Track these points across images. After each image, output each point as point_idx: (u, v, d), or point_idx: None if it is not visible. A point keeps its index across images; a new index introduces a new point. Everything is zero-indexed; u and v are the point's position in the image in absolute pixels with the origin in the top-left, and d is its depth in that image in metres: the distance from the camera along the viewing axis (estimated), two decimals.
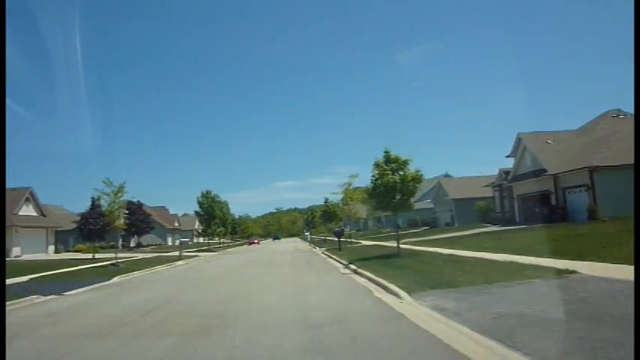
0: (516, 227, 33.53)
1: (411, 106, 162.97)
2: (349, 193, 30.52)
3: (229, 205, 63.01)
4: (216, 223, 52.64)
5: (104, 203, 24.58)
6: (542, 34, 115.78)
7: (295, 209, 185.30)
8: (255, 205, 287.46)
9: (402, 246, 21.03)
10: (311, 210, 70.80)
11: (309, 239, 73.74)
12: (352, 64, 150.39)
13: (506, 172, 44.60)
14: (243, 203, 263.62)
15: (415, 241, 28.88)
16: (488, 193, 52.41)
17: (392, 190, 17.43)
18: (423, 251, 20.08)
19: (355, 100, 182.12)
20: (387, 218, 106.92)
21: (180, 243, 34.77)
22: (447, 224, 57.11)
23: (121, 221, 27.26)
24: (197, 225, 75.89)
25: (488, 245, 19.82)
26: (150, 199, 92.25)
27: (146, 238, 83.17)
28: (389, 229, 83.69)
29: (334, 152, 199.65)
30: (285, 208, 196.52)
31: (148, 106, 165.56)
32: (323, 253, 30.14)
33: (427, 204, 77.68)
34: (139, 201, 55.64)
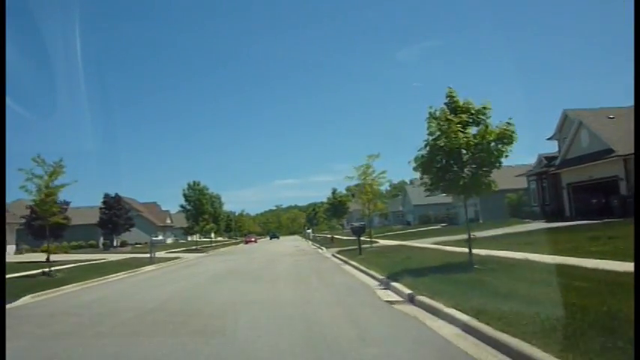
0: (574, 223, 26.39)
1: (410, 103, 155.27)
2: (367, 177, 23.31)
3: (222, 200, 55.93)
4: (205, 219, 45.50)
5: (32, 188, 17.26)
6: (541, 33, 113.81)
7: (295, 207, 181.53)
8: (255, 203, 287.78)
9: (460, 249, 13.95)
10: (313, 205, 63.37)
11: (311, 237, 66.67)
12: (351, 62, 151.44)
13: (549, 158, 37.49)
14: (243, 201, 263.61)
15: (456, 240, 21.78)
16: (519, 184, 45.39)
17: (460, 157, 10.35)
18: (505, 259, 12.88)
19: (355, 98, 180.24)
20: (395, 214, 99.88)
21: (151, 243, 27.67)
22: (470, 220, 49.76)
23: (58, 216, 20.12)
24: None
25: (600, 249, 12.74)
26: (150, 197, 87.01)
27: (133, 236, 76.40)
28: (399, 227, 76.73)
29: (334, 150, 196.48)
30: (284, 206, 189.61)
31: (147, 105, 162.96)
32: (334, 256, 23.06)
33: (446, 197, 70.52)
34: (117, 194, 48.51)
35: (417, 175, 12.71)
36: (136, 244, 67.08)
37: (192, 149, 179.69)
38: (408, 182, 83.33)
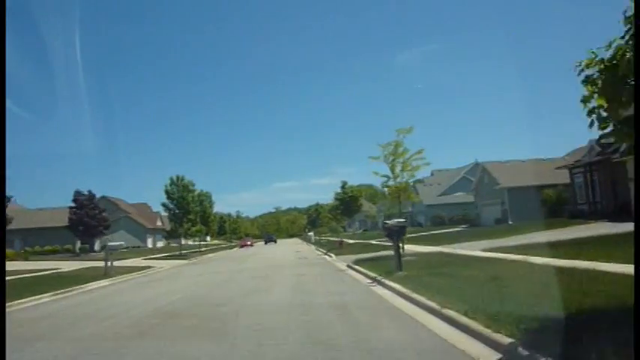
0: None
1: (410, 106, 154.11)
2: (399, 157, 16.69)
3: (213, 199, 49.37)
4: (191, 219, 38.90)
5: None
6: (542, 35, 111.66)
7: (295, 209, 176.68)
8: (254, 206, 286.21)
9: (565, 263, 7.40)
10: (316, 205, 56.55)
11: (313, 241, 60.04)
12: (352, 64, 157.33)
13: (604, 145, 30.95)
14: (242, 204, 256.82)
15: (519, 247, 15.20)
16: (552, 178, 39.09)
17: None
18: None
19: (355, 101, 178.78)
20: (403, 216, 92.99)
21: (107, 249, 21.08)
22: (497, 221, 43.27)
23: None
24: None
25: None
26: (146, 199, 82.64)
27: (119, 239, 69.89)
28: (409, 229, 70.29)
29: (334, 153, 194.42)
30: (284, 208, 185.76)
31: (145, 106, 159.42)
32: (350, 267, 16.54)
33: (463, 197, 64.04)
34: (89, 191, 41.84)
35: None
36: (116, 249, 60.49)
37: (190, 151, 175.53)
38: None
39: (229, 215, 77.02)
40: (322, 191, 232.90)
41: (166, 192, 38.27)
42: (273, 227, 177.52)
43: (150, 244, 72.52)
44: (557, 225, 27.18)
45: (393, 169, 17.03)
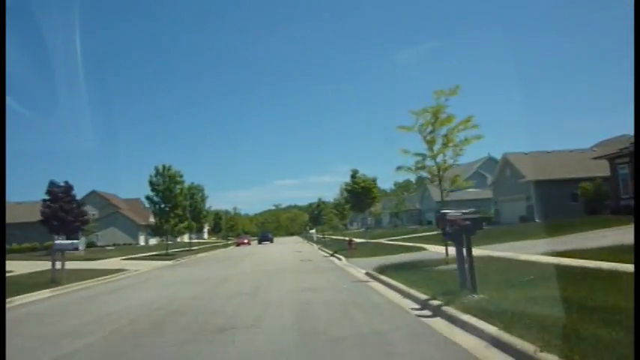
0: None
1: (411, 104, 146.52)
2: (440, 124, 12.02)
3: (205, 193, 44.73)
4: (179, 214, 34.31)
5: None
6: (542, 34, 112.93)
7: (295, 206, 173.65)
8: (255, 203, 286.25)
9: None
10: (319, 202, 51.70)
11: (315, 239, 55.41)
12: (352, 62, 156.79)
13: None
14: (243, 202, 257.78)
15: (595, 250, 10.66)
16: (587, 171, 34.79)
17: None
18: None
19: (355, 99, 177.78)
20: (409, 213, 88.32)
21: (54, 250, 16.40)
22: (522, 219, 38.67)
23: None
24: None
25: None
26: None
27: (109, 237, 65.51)
28: (414, 227, 65.71)
29: (334, 151, 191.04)
30: (284, 205, 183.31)
31: (146, 104, 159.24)
32: (373, 277, 11.97)
33: (476, 193, 59.49)
34: (66, 182, 37.18)
35: None
36: (108, 245, 56.10)
37: (189, 148, 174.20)
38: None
39: (226, 212, 72.39)
40: (322, 189, 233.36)
41: (150, 183, 33.69)
42: (272, 225, 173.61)
43: (142, 242, 68.02)
44: (606, 223, 22.58)
45: (431, 144, 12.36)
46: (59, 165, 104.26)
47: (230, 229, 72.40)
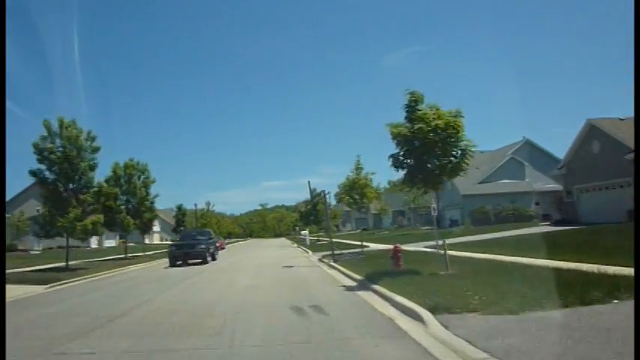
0: None
1: (399, 107, 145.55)
2: None
3: (152, 175, 30.65)
4: (87, 201, 20.39)
5: None
6: (535, 34, 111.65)
7: (283, 207, 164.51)
8: (241, 204, 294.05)
9: None
10: (316, 194, 37.77)
11: (308, 243, 41.64)
12: (341, 64, 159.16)
13: None
14: (229, 202, 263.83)
15: None
16: None
17: None
18: None
19: (344, 101, 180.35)
20: (416, 212, 74.44)
21: None
22: (629, 214, 25.13)
23: None
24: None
25: None
26: None
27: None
28: (426, 229, 52.89)
29: (322, 153, 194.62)
30: (270, 205, 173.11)
31: (137, 105, 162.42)
32: None
33: (514, 185, 46.96)
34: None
35: None
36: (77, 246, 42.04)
37: (176, 149, 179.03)
38: None
39: (195, 208, 58.06)
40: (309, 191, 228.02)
41: (36, 148, 19.75)
42: (258, 225, 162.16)
43: (106, 244, 53.62)
44: None
45: None
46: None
47: (202, 228, 58.38)
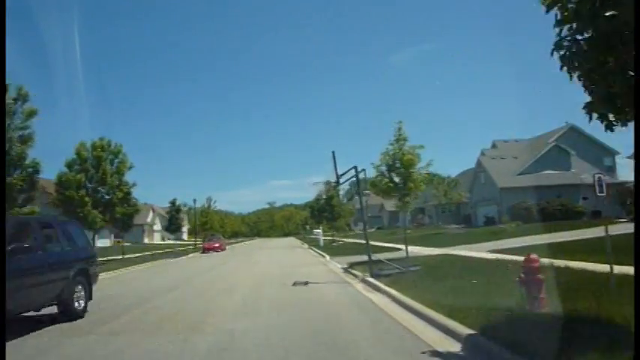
0: None
1: (405, 105, 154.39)
2: None
3: (129, 161, 24.46)
4: (16, 184, 14.23)
5: None
6: (538, 34, 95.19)
7: (291, 205, 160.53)
8: (249, 203, 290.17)
9: None
10: (329, 185, 31.44)
11: (322, 243, 35.35)
12: (347, 63, 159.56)
13: None
14: (237, 202, 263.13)
15: None
16: None
17: None
18: None
19: (350, 100, 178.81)
20: (438, 208, 67.65)
21: None
22: None
23: None
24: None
25: None
26: (140, 198, 70.81)
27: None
28: (455, 228, 46.07)
29: (329, 151, 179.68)
30: (278, 204, 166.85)
31: (141, 104, 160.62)
32: None
33: (559, 176, 40.22)
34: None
35: None
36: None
37: (185, 148, 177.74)
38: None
39: (194, 205, 51.84)
40: (317, 189, 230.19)
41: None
42: (266, 224, 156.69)
43: (99, 243, 47.48)
44: None
45: None
46: (59, 165, 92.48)
47: (202, 226, 52.47)
